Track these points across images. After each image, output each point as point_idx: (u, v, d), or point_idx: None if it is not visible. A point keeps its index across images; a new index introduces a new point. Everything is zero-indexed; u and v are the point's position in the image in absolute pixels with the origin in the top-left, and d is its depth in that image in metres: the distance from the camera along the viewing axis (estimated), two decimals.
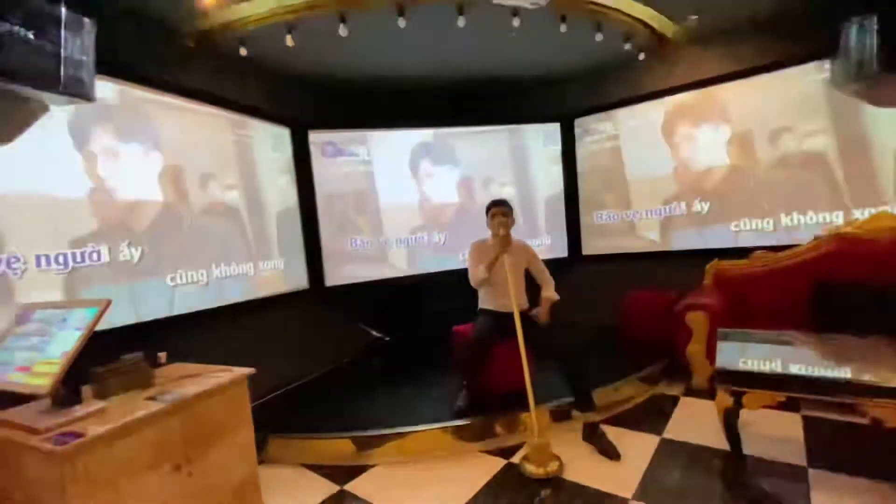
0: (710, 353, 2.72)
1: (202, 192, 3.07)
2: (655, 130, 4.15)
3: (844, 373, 1.95)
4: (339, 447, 2.56)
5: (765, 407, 2.06)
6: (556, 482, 2.18)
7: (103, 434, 1.42)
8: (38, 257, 2.19)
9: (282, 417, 2.97)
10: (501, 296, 2.72)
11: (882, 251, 2.90)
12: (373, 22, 2.95)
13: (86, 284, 2.37)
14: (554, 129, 4.62)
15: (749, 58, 3.65)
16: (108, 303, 1.65)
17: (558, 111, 4.62)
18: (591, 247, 4.63)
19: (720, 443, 2.32)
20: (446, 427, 2.58)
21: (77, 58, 1.78)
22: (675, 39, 3.69)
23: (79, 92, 1.79)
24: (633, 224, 4.35)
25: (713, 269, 3.52)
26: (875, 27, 2.07)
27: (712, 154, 3.89)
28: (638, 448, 2.43)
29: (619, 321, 3.98)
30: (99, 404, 1.59)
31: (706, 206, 3.95)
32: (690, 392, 3.07)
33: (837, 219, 3.41)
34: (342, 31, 2.88)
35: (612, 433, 2.53)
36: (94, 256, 2.43)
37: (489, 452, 2.53)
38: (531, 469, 2.24)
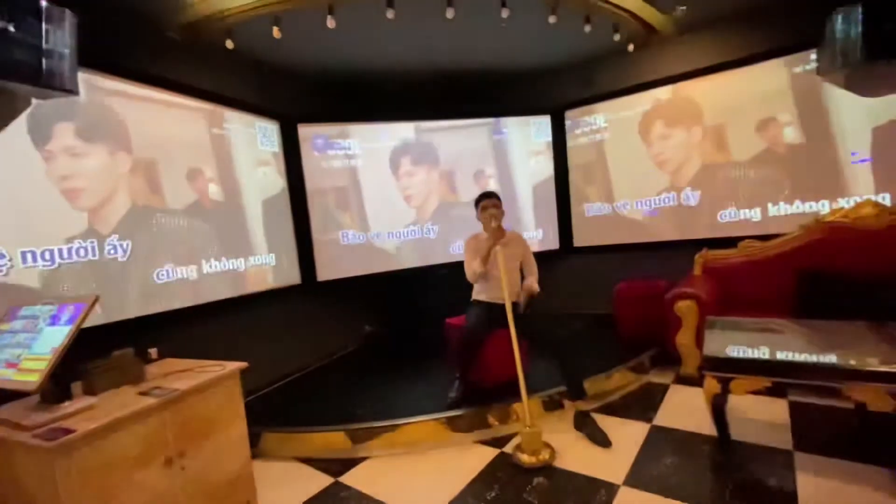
0: (700, 342, 2.76)
1: (190, 186, 3.04)
2: (644, 122, 4.17)
3: (829, 358, 1.99)
4: (332, 440, 2.57)
5: (752, 392, 2.09)
6: (548, 470, 2.21)
7: (94, 430, 1.42)
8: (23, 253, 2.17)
9: (275, 411, 2.98)
10: (495, 287, 2.74)
11: (866, 239, 2.95)
12: (361, 13, 2.93)
13: (72, 281, 2.35)
14: (544, 121, 4.62)
15: (737, 48, 3.68)
16: (97, 298, 1.64)
17: (549, 103, 4.62)
18: (582, 238, 4.66)
19: (709, 429, 2.36)
20: (439, 418, 2.59)
21: (58, 50, 1.75)
22: (664, 30, 3.70)
23: (60, 85, 1.76)
24: (623, 215, 4.38)
25: (702, 259, 3.56)
26: (859, 16, 2.09)
27: (700, 145, 3.92)
28: (628, 435, 2.46)
29: (610, 311, 4.01)
30: (89, 400, 1.58)
31: (695, 196, 3.99)
32: (680, 380, 3.11)
33: (823, 208, 3.46)
34: (330, 22, 2.85)
35: (602, 421, 2.56)
36: (82, 252, 2.40)
37: (482, 442, 2.56)
38: (523, 458, 2.26)
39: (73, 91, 1.83)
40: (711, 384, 2.17)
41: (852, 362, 1.91)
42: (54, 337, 1.56)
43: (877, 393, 1.82)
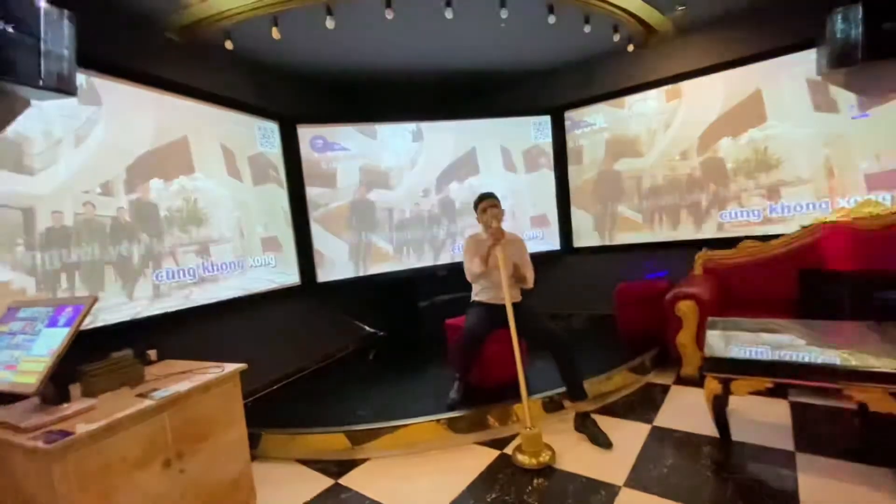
0: (700, 342, 2.75)
1: (189, 185, 3.03)
2: (645, 121, 4.17)
3: (831, 358, 1.98)
4: (332, 441, 2.56)
5: (753, 393, 2.09)
6: (548, 472, 2.20)
7: (92, 432, 1.42)
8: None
9: (275, 413, 2.97)
10: (494, 287, 2.73)
11: (867, 239, 2.94)
12: (360, 14, 2.92)
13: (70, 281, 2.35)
14: (544, 121, 4.62)
15: (737, 48, 3.67)
16: (95, 300, 1.63)
17: (549, 103, 4.62)
18: (583, 239, 4.65)
19: (710, 430, 2.35)
20: (440, 419, 2.59)
21: (57, 52, 1.75)
22: (664, 31, 3.70)
23: (59, 86, 1.76)
24: (624, 216, 4.37)
25: (702, 259, 3.56)
26: (859, 16, 2.09)
27: (701, 143, 3.92)
28: (629, 436, 2.45)
29: (610, 312, 4.01)
30: (88, 402, 1.58)
31: (694, 196, 3.98)
32: (681, 381, 3.10)
33: (825, 208, 3.44)
34: (329, 23, 2.85)
35: (603, 422, 2.55)
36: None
37: (482, 444, 2.55)
38: (524, 459, 2.25)
39: (71, 92, 1.83)
40: (712, 385, 2.17)
41: (854, 363, 1.90)
42: (53, 338, 1.55)
43: (878, 393, 1.82)
